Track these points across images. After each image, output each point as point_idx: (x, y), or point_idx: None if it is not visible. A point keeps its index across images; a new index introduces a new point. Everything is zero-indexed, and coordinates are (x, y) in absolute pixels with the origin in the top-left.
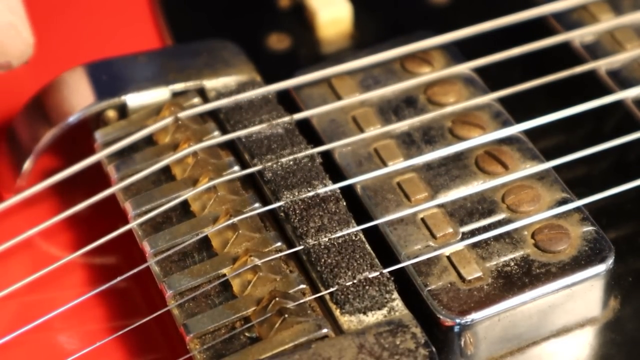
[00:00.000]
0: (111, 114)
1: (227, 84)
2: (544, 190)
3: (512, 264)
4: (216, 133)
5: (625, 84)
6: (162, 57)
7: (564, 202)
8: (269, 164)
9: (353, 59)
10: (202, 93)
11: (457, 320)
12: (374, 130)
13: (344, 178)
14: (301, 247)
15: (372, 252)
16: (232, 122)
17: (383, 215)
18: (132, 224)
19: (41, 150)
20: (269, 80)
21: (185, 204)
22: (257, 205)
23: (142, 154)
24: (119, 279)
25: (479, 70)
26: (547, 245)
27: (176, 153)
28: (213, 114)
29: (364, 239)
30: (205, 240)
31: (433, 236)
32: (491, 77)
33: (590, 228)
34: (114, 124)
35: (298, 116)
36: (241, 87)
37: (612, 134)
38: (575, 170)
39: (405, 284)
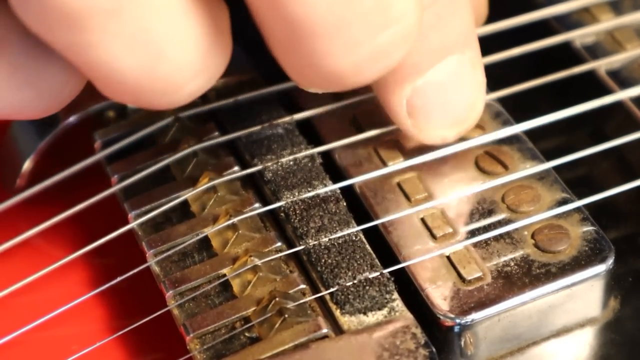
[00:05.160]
0: (111, 114)
1: (227, 83)
2: (544, 190)
3: (512, 264)
4: (216, 133)
5: (625, 84)
6: None
7: (564, 202)
8: (269, 164)
9: None
10: None
11: (457, 320)
12: (374, 130)
13: (344, 178)
14: (301, 247)
15: (372, 252)
16: (232, 122)
17: (383, 215)
18: (132, 224)
19: (41, 150)
20: (269, 80)
21: (185, 204)
22: (257, 205)
23: (142, 154)
24: (119, 279)
25: None
26: (547, 245)
27: (176, 153)
28: (213, 114)
29: (364, 239)
30: (205, 240)
31: (433, 236)
32: (491, 77)
33: (590, 228)
34: (114, 124)
35: (298, 116)
36: (241, 87)
37: (612, 134)
38: (575, 170)
39: (405, 284)
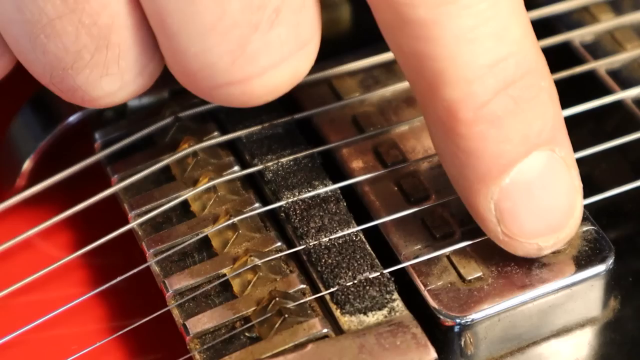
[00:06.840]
0: (111, 113)
1: None
2: None
3: (512, 264)
4: (216, 133)
5: (625, 84)
6: None
7: None
8: (270, 164)
9: (353, 59)
10: None
11: (457, 320)
12: (374, 130)
13: (344, 178)
14: (301, 247)
15: (372, 252)
16: (233, 122)
17: (383, 215)
18: (132, 224)
19: (41, 150)
20: None
21: (185, 204)
22: (257, 205)
23: (142, 154)
24: (119, 279)
25: None
26: None
27: (176, 153)
28: (213, 114)
29: (364, 239)
30: (205, 240)
31: (433, 236)
32: None
33: (590, 228)
34: (114, 124)
35: (298, 116)
36: None
37: (612, 134)
38: None
39: (405, 284)
